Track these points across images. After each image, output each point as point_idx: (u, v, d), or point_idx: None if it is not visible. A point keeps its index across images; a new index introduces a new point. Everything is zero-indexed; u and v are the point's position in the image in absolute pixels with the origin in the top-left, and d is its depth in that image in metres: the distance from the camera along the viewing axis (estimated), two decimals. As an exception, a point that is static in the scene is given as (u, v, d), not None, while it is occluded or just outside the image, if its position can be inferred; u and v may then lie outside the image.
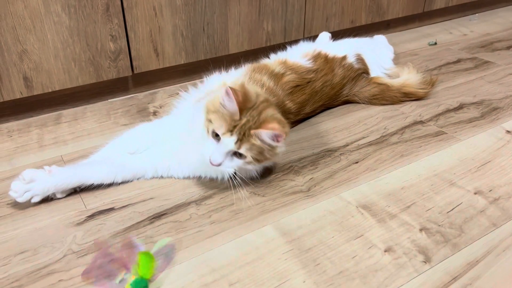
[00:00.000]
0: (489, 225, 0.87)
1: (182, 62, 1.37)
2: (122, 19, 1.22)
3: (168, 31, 1.31)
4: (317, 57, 1.24)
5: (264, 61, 1.24)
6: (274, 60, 1.22)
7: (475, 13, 2.10)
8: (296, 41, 1.41)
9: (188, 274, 0.77)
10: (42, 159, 1.07)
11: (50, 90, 1.21)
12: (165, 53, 1.33)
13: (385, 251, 0.81)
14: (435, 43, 1.76)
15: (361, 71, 1.30)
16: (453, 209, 0.91)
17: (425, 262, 0.79)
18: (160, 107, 1.31)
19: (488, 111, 1.27)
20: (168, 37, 1.31)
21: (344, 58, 1.27)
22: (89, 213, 0.90)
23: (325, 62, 1.23)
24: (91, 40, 1.20)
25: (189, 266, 0.78)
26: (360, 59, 1.32)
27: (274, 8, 1.46)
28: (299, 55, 1.24)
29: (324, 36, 1.48)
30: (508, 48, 1.71)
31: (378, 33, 1.85)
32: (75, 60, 1.20)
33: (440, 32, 1.89)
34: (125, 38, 1.25)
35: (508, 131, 1.16)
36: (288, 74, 1.16)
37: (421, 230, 0.85)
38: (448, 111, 1.27)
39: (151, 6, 1.24)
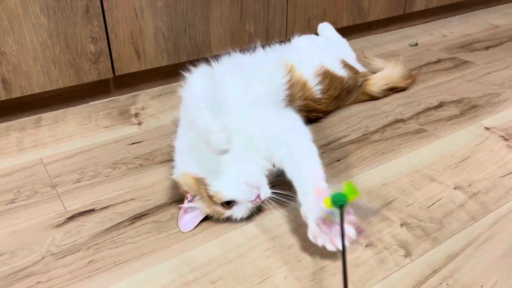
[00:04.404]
0: (468, 219, 0.88)
1: (164, 64, 1.37)
2: (103, 20, 1.21)
3: (150, 32, 1.30)
4: (324, 75, 1.18)
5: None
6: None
7: (455, 15, 2.14)
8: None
9: (168, 274, 0.76)
10: (21, 162, 1.05)
11: (29, 93, 1.19)
12: (146, 55, 1.33)
13: (366, 246, 0.81)
14: (416, 44, 1.78)
15: (352, 85, 1.28)
16: (433, 204, 0.92)
17: (405, 256, 0.79)
18: (142, 109, 1.30)
19: (468, 109, 1.28)
20: (150, 38, 1.31)
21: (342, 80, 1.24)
22: (69, 215, 0.89)
23: (330, 82, 1.19)
24: (71, 42, 1.19)
25: (170, 266, 0.78)
26: (346, 65, 1.28)
27: (256, 9, 1.47)
28: (311, 69, 1.17)
29: (326, 27, 1.49)
30: (486, 48, 1.74)
31: (360, 35, 1.87)
32: (54, 62, 1.19)
33: (420, 33, 1.91)
34: (106, 40, 1.24)
35: (487, 128, 1.18)
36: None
37: (401, 225, 0.86)
38: (429, 109, 1.28)
39: (131, 7, 1.24)
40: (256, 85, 0.98)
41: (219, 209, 0.83)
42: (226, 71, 1.01)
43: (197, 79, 0.91)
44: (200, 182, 0.82)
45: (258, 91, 0.97)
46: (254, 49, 1.17)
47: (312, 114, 1.18)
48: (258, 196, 0.82)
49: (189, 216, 0.85)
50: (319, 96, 1.17)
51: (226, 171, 0.82)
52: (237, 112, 0.91)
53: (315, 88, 1.16)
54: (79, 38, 1.20)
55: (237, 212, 0.83)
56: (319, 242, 0.74)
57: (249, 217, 0.87)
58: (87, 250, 0.81)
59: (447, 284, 0.74)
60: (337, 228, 0.71)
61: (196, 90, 0.87)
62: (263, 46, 1.18)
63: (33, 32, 1.13)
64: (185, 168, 0.85)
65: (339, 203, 0.69)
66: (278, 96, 1.03)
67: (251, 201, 0.82)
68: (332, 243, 0.72)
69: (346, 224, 0.71)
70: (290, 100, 1.06)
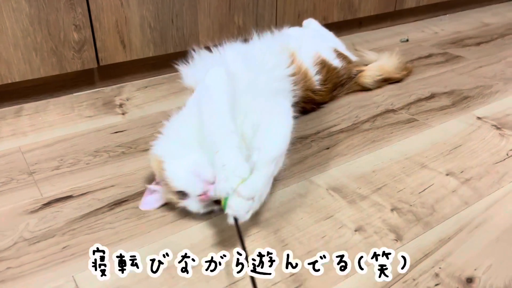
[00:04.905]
0: (461, 204, 0.85)
1: (151, 55, 1.34)
2: (86, 8, 1.18)
3: (135, 22, 1.27)
4: (322, 65, 1.16)
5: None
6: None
7: (446, 14, 2.13)
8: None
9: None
10: (-2, 149, 1.02)
11: (9, 81, 1.15)
12: (132, 45, 1.29)
13: (356, 230, 0.78)
14: (407, 40, 1.77)
15: (346, 76, 1.26)
16: (424, 189, 0.89)
17: (396, 240, 0.76)
18: (127, 100, 1.26)
19: (459, 100, 1.26)
20: (135, 28, 1.28)
21: (337, 70, 1.22)
22: (45, 201, 0.85)
23: (327, 72, 1.17)
24: (54, 29, 1.16)
25: (149, 251, 0.74)
26: (339, 54, 1.27)
27: (245, 1, 1.44)
28: (309, 58, 1.14)
29: (311, 23, 1.45)
30: (478, 44, 1.73)
31: (351, 32, 1.85)
32: (36, 50, 1.16)
33: (412, 30, 1.90)
34: (90, 28, 1.21)
35: (479, 117, 1.16)
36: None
37: (392, 210, 0.83)
38: (420, 100, 1.26)
39: (116, -5, 1.21)
40: (262, 77, 0.95)
41: (174, 197, 0.78)
42: (234, 62, 0.97)
43: (219, 83, 0.85)
44: (161, 166, 0.78)
45: (264, 82, 0.94)
46: (250, 38, 1.14)
47: (309, 105, 1.15)
48: (206, 192, 0.75)
49: (152, 198, 0.83)
50: (318, 87, 1.15)
51: (187, 159, 0.77)
52: (239, 106, 0.86)
53: (315, 78, 1.13)
54: (61, 25, 1.17)
55: (191, 205, 0.77)
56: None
57: (209, 213, 0.80)
58: (62, 236, 0.77)
59: (440, 268, 0.70)
60: None
61: (221, 100, 0.81)
62: (258, 35, 1.15)
63: (14, 18, 1.10)
64: (156, 150, 0.82)
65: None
66: (282, 86, 1.00)
67: (197, 196, 0.75)
68: None
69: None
70: (293, 89, 1.03)
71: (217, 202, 0.76)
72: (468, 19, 2.07)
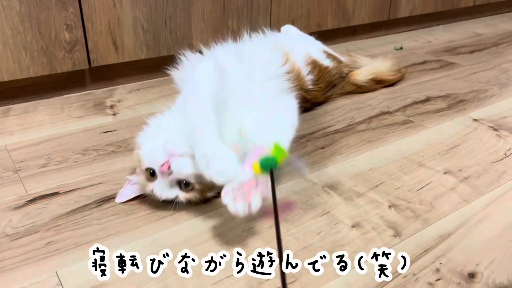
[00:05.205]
0: (460, 201, 0.82)
1: (143, 57, 1.32)
2: (78, 7, 1.17)
3: (128, 23, 1.26)
4: (313, 65, 1.16)
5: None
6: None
7: (439, 24, 2.15)
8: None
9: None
10: (-17, 148, 0.98)
11: (-2, 80, 1.13)
12: (124, 47, 1.28)
13: (353, 226, 0.75)
14: (401, 48, 1.77)
15: (338, 76, 1.25)
16: (422, 187, 0.86)
17: (395, 236, 0.73)
18: (118, 101, 1.24)
19: (455, 103, 1.25)
20: (128, 29, 1.26)
21: (328, 69, 1.22)
22: (30, 198, 0.82)
23: (319, 72, 1.17)
24: (44, 28, 1.14)
25: (138, 246, 0.70)
26: (329, 54, 1.28)
27: (239, 6, 1.44)
28: (301, 58, 1.14)
29: (291, 29, 1.45)
30: (471, 52, 1.73)
31: (345, 39, 1.85)
32: (26, 49, 1.13)
33: (405, 39, 1.90)
34: (82, 29, 1.19)
35: (475, 119, 1.15)
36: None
37: (390, 206, 0.80)
38: (415, 103, 1.25)
39: (109, -5, 1.20)
40: (258, 71, 0.94)
41: (145, 180, 0.78)
42: (226, 60, 0.95)
43: (206, 76, 0.84)
44: (139, 151, 0.79)
45: (259, 78, 0.93)
46: (241, 38, 1.14)
47: (303, 105, 1.13)
48: (167, 162, 0.73)
49: (129, 189, 0.82)
50: (311, 86, 1.14)
51: (160, 140, 0.77)
52: (233, 102, 0.85)
53: (307, 78, 1.13)
54: (53, 24, 1.15)
55: (157, 186, 0.76)
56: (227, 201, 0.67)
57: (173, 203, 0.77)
58: (46, 232, 0.73)
59: (440, 263, 0.68)
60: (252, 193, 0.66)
61: (204, 91, 0.80)
62: (249, 35, 1.15)
63: (3, 16, 1.08)
64: (138, 138, 0.82)
65: (269, 167, 0.61)
66: (278, 83, 0.98)
67: (159, 166, 0.74)
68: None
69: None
70: (289, 87, 1.01)
71: (180, 186, 0.76)
72: (461, 29, 2.09)
